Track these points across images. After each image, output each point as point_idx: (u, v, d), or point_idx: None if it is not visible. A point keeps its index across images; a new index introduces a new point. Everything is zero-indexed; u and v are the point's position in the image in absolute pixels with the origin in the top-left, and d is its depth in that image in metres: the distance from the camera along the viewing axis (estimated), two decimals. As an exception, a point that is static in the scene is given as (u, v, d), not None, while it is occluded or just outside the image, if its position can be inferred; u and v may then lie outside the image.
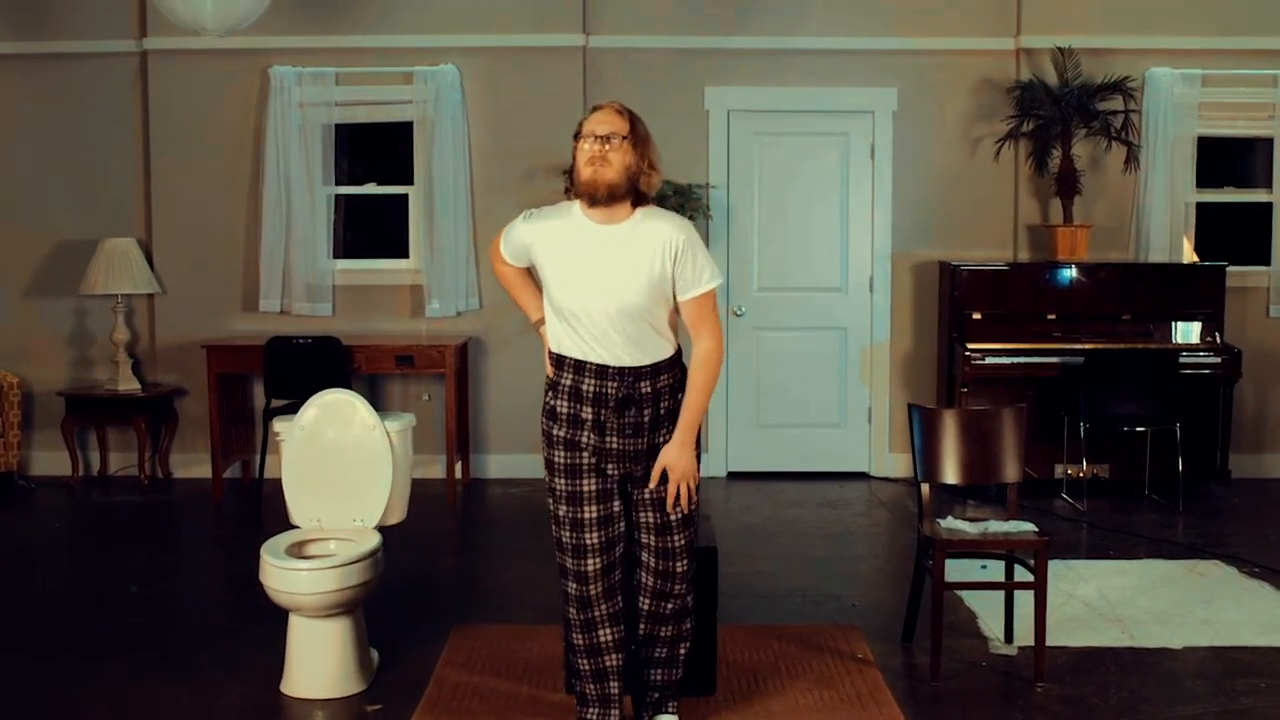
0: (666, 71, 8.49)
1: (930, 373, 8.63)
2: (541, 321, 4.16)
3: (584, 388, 3.97)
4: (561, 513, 4.06)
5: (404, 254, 8.65)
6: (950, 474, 5.12)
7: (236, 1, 6.83)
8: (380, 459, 5.05)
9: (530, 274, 4.19)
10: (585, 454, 4.00)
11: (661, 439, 4.00)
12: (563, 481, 4.04)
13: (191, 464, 8.60)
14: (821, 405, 8.72)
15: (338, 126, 8.52)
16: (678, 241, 3.87)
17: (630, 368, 3.94)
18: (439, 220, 8.34)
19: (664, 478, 3.98)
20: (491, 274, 8.37)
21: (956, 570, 5.37)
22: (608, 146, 3.82)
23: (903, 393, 8.65)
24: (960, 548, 4.92)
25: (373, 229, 8.89)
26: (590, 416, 3.97)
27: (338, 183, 8.59)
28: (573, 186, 3.92)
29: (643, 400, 3.96)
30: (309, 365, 7.76)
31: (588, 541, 4.03)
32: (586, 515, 4.02)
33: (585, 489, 4.02)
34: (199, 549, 7.27)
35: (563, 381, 4.03)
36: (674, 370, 4.04)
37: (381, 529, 5.05)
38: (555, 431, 4.05)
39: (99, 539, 7.28)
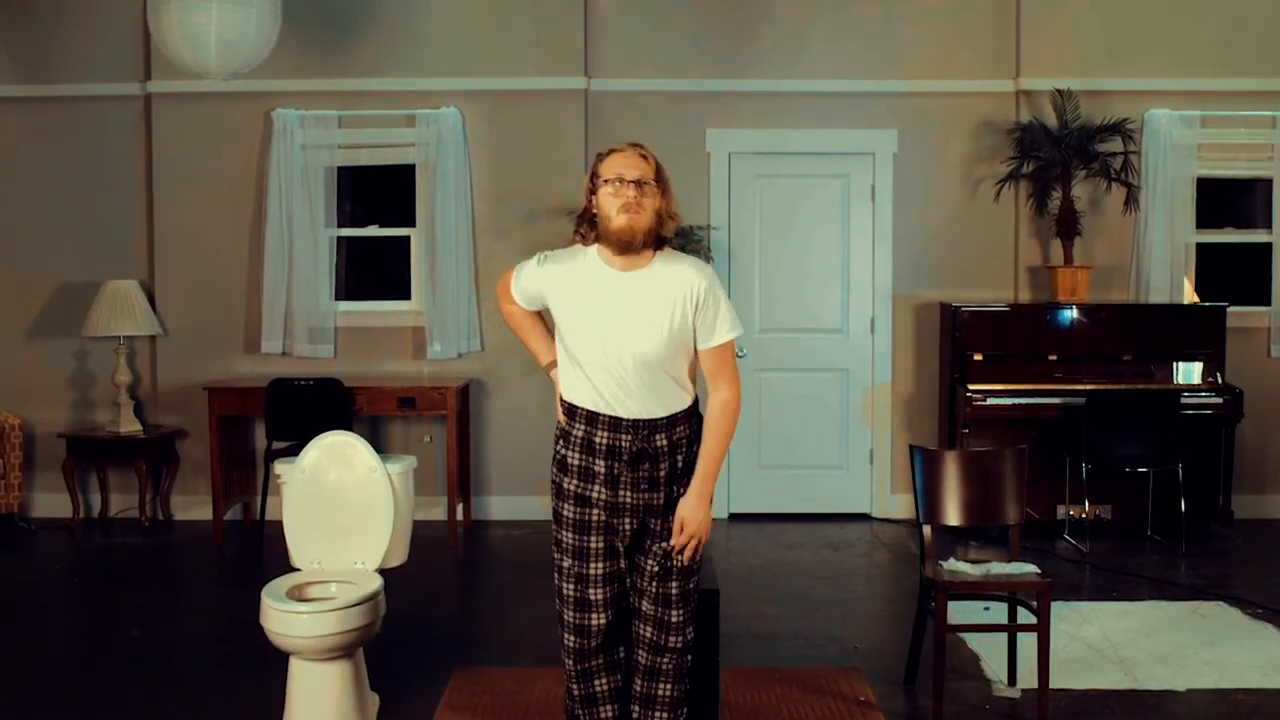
0: (667, 114, 8.54)
1: (932, 414, 8.62)
2: (553, 365, 4.00)
3: (597, 440, 3.80)
4: (566, 565, 3.92)
5: (406, 296, 8.68)
6: (952, 516, 5.11)
7: (240, 46, 6.90)
8: (381, 501, 5.05)
9: (540, 316, 4.05)
10: (595, 510, 3.85)
11: (679, 492, 3.85)
12: (570, 535, 3.89)
13: (192, 506, 8.59)
14: (823, 447, 8.71)
15: (340, 169, 8.56)
16: (699, 288, 3.73)
17: (645, 420, 3.78)
18: (441, 262, 8.37)
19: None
20: (494, 315, 8.47)
21: (959, 612, 5.36)
22: (641, 192, 3.69)
23: (904, 434, 8.65)
24: (962, 589, 4.91)
25: (375, 271, 8.91)
26: (602, 470, 3.81)
27: (340, 225, 8.63)
28: (592, 232, 3.77)
29: (658, 454, 3.80)
30: (310, 407, 7.77)
31: (592, 597, 3.90)
32: (592, 571, 3.88)
33: (592, 545, 3.87)
34: (199, 591, 7.25)
35: (574, 432, 3.85)
36: (690, 421, 3.87)
37: (382, 571, 5.04)
38: (566, 484, 3.88)
39: (99, 581, 7.26)
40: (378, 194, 8.91)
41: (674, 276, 3.74)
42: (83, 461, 8.41)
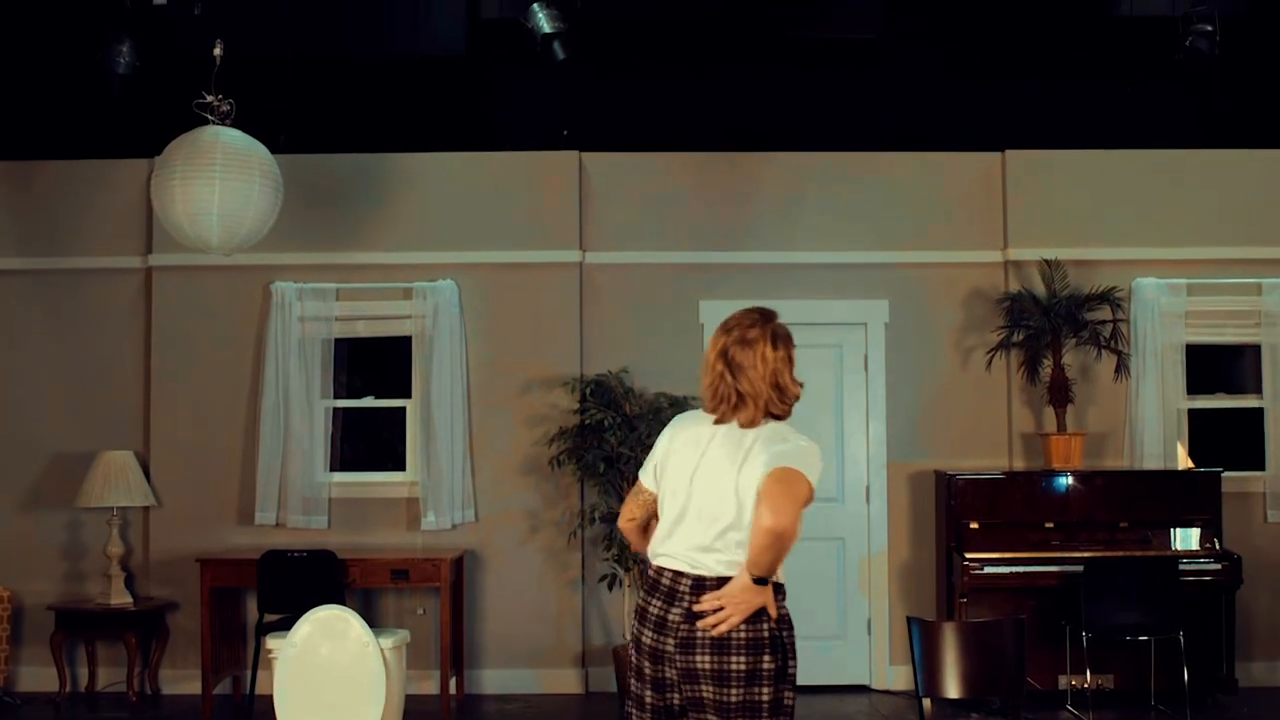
0: (661, 286, 8.64)
1: (929, 582, 8.56)
2: None
3: None
4: None
5: (400, 467, 8.67)
6: (952, 688, 5.04)
7: (241, 222, 7.03)
8: (374, 677, 4.99)
9: None
10: None
11: None
12: None
13: (182, 680, 8.45)
14: (820, 617, 8.62)
15: (337, 341, 8.63)
16: None
17: None
18: (436, 433, 8.39)
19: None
20: (489, 487, 8.47)
21: (961, 788, 5.26)
22: None
23: (902, 603, 8.57)
24: (964, 765, 4.83)
25: (370, 441, 8.93)
26: None
27: (336, 396, 8.68)
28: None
29: None
30: (303, 579, 7.69)
31: None
32: None
33: None
34: (187, 770, 7.10)
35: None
36: None
37: (374, 749, 4.96)
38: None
39: (85, 760, 7.12)
40: (374, 365, 8.97)
41: None
42: (71, 634, 8.30)
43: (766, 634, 3.68)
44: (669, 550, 3.75)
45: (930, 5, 8.33)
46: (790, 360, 3.81)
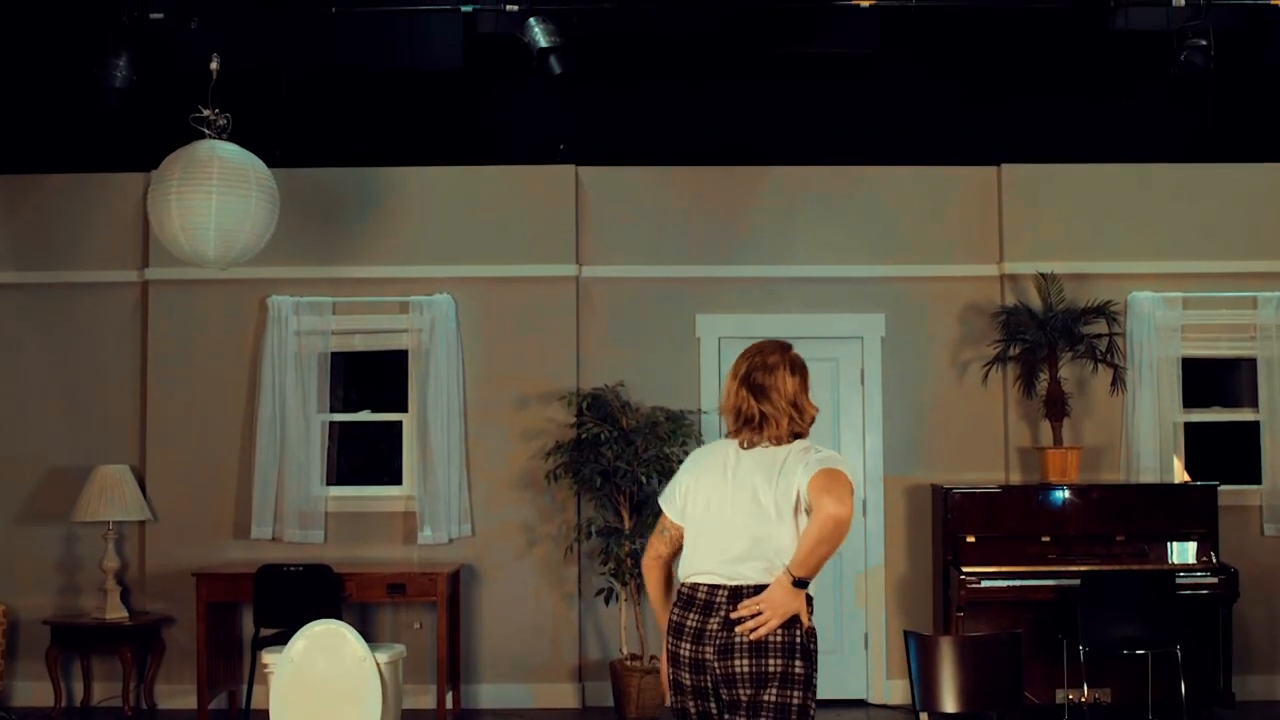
0: (658, 300, 8.65)
1: (926, 596, 8.55)
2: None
3: None
4: None
5: (397, 481, 8.66)
6: (949, 702, 5.04)
7: (238, 236, 7.02)
8: (370, 691, 4.99)
9: None
10: None
11: None
12: None
13: (177, 695, 8.44)
14: (817, 630, 8.59)
15: (334, 354, 8.63)
16: None
17: None
18: (433, 447, 8.38)
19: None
20: (486, 500, 8.47)
21: (959, 803, 5.25)
22: None
23: (899, 617, 8.56)
24: (962, 780, 4.82)
25: (366, 455, 8.92)
26: None
27: (332, 410, 8.67)
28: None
29: None
30: (300, 594, 7.69)
31: None
32: None
33: None
34: (182, 785, 7.08)
35: None
36: None
37: (370, 764, 4.95)
38: None
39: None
40: (370, 379, 8.96)
41: None
42: (67, 648, 8.27)
43: (799, 640, 3.88)
44: (701, 567, 3.94)
45: (925, 20, 8.35)
46: (806, 387, 4.09)
